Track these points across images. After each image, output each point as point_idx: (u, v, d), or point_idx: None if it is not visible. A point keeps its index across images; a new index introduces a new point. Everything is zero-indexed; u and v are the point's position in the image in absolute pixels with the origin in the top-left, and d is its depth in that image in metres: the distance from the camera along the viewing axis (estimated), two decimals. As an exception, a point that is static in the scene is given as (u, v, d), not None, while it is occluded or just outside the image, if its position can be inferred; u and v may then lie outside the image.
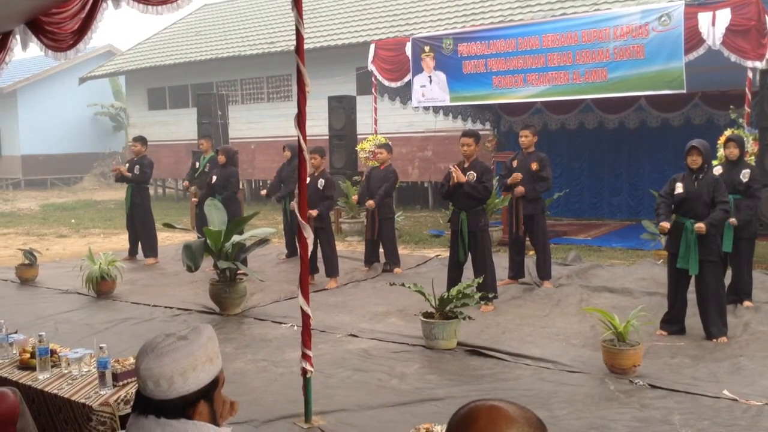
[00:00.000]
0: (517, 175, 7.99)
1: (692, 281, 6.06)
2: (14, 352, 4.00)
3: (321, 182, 8.61)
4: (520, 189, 7.97)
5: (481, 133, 8.47)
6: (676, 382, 4.84)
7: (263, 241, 7.71)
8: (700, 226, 5.73)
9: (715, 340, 5.82)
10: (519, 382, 5.01)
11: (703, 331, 5.95)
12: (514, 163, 8.27)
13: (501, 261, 8.58)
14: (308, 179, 8.25)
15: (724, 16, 8.58)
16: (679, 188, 5.98)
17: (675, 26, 8.98)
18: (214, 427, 1.82)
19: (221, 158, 9.77)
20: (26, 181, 25.44)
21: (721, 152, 8.25)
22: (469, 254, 7.30)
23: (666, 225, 5.95)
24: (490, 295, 7.07)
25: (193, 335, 1.84)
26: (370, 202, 9.04)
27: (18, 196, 22.71)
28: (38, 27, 4.65)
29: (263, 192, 10.80)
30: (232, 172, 9.71)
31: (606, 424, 4.19)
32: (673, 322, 6.07)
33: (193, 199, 10.74)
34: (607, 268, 8.99)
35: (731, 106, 9.78)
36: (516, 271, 8.31)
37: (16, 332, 4.30)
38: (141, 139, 10.70)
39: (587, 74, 9.76)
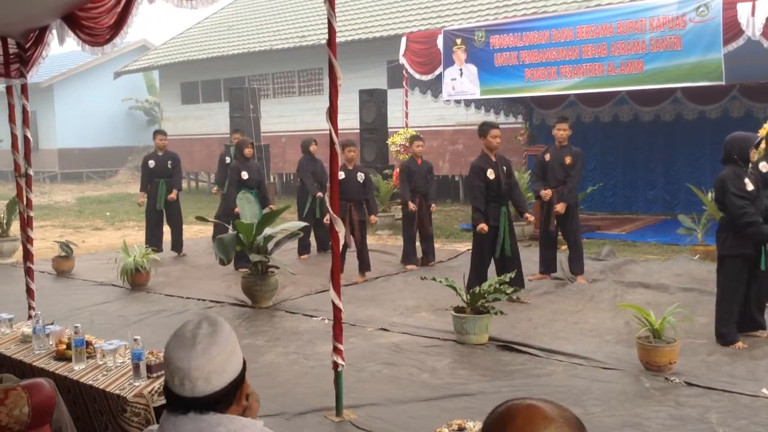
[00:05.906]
0: (548, 193, 8.02)
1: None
2: (51, 343, 4.06)
3: (361, 176, 8.61)
4: (560, 207, 7.88)
5: (513, 126, 8.38)
6: (713, 380, 4.75)
7: (294, 235, 7.73)
8: None
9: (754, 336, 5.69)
10: (551, 378, 4.95)
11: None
12: (547, 157, 8.17)
13: (532, 255, 8.50)
14: (344, 173, 8.30)
15: (764, 6, 8.35)
16: (750, 185, 5.52)
17: (713, 17, 8.77)
18: (245, 418, 1.82)
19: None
20: (62, 174, 25.86)
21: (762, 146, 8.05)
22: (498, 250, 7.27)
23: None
24: (521, 290, 7.03)
25: (217, 328, 1.79)
26: (434, 206, 9.57)
27: (54, 189, 23.13)
28: (74, 22, 4.69)
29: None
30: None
31: (641, 422, 4.12)
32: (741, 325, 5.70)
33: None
34: (642, 264, 8.85)
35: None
36: (547, 266, 8.23)
37: (52, 323, 4.36)
38: (165, 132, 10.81)
39: (623, 66, 9.58)
